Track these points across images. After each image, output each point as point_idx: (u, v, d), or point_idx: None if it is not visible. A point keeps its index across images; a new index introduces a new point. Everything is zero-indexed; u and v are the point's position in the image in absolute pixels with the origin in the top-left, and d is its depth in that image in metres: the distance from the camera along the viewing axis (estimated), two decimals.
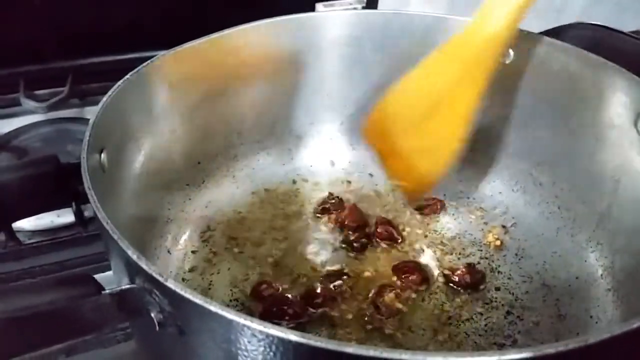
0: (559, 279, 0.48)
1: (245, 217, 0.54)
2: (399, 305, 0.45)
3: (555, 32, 0.53)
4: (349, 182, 0.59)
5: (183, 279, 0.48)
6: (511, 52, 0.52)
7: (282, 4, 0.80)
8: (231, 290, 0.47)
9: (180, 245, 0.50)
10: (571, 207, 0.51)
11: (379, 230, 0.52)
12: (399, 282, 0.47)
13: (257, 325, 0.23)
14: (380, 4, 0.83)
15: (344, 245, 0.51)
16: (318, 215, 0.54)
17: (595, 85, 0.47)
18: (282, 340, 0.23)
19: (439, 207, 0.55)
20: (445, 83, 0.48)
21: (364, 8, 0.81)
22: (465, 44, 0.47)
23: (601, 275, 0.47)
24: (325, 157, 0.60)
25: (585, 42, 0.50)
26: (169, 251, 0.49)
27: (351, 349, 0.22)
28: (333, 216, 0.54)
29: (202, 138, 0.54)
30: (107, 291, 0.27)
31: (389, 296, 0.46)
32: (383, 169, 0.53)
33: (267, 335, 0.23)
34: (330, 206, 0.54)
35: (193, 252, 0.50)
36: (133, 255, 0.26)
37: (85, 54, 0.76)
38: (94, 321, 0.26)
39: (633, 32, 0.79)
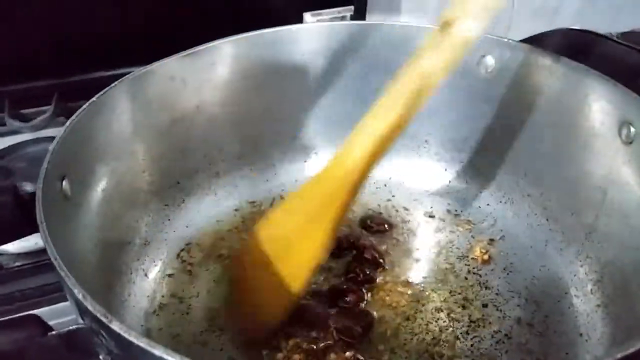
0: (548, 295, 0.47)
1: (227, 236, 0.53)
2: None
3: (539, 39, 0.52)
4: None
5: (160, 303, 0.47)
6: (493, 60, 0.51)
7: (270, 15, 0.79)
8: (211, 313, 0.46)
9: (159, 267, 0.49)
10: (559, 219, 0.50)
11: (365, 255, 0.50)
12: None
13: None
14: (368, 14, 0.82)
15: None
16: None
17: (578, 93, 0.46)
18: None
19: (385, 227, 0.53)
20: (297, 223, 0.42)
21: (352, 18, 0.80)
22: (320, 181, 0.41)
23: (591, 290, 0.45)
24: (310, 172, 0.59)
25: (570, 48, 0.49)
26: (146, 274, 0.48)
27: None
28: None
29: (180, 157, 0.53)
30: (54, 332, 0.26)
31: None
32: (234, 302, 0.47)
33: None
34: None
35: (172, 274, 0.49)
36: (79, 294, 0.25)
37: (71, 72, 0.76)
38: None
39: (627, 32, 0.77)
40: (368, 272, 0.48)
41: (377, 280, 0.48)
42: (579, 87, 0.46)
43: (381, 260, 0.49)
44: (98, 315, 0.24)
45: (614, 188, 0.44)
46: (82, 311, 0.26)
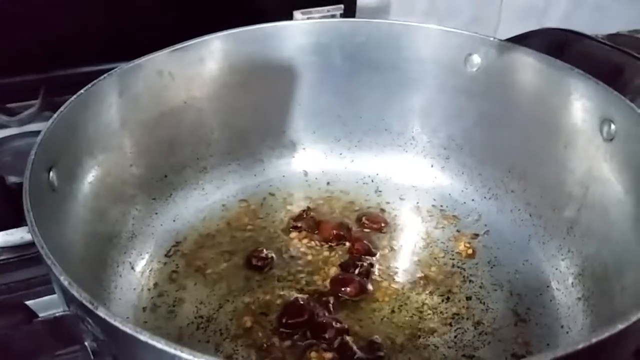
0: (530, 288, 0.48)
1: (214, 231, 0.53)
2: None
3: (524, 38, 0.53)
4: (322, 191, 0.58)
5: (147, 296, 0.47)
6: (479, 58, 0.51)
7: (259, 12, 0.79)
8: (197, 307, 0.46)
9: (145, 261, 0.49)
10: (542, 214, 0.50)
11: (356, 247, 0.51)
12: (332, 299, 0.46)
13: (187, 355, 0.23)
14: (358, 14, 0.82)
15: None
16: (291, 229, 0.53)
17: (560, 91, 0.47)
18: None
19: (382, 226, 0.54)
20: None
21: (342, 16, 0.80)
22: None
23: (572, 283, 0.46)
24: (298, 167, 0.60)
25: (553, 47, 0.50)
26: (132, 268, 0.48)
27: None
28: (305, 233, 0.52)
29: (167, 151, 0.53)
30: (40, 319, 0.26)
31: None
32: None
33: None
34: (304, 223, 0.53)
35: (158, 268, 0.49)
36: (65, 281, 0.26)
37: (58, 66, 0.75)
38: (27, 350, 0.25)
39: (613, 34, 0.78)
40: (367, 263, 0.49)
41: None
42: (562, 85, 0.47)
43: (374, 250, 0.51)
44: (84, 301, 0.24)
45: (595, 184, 0.45)
46: (69, 299, 0.26)
